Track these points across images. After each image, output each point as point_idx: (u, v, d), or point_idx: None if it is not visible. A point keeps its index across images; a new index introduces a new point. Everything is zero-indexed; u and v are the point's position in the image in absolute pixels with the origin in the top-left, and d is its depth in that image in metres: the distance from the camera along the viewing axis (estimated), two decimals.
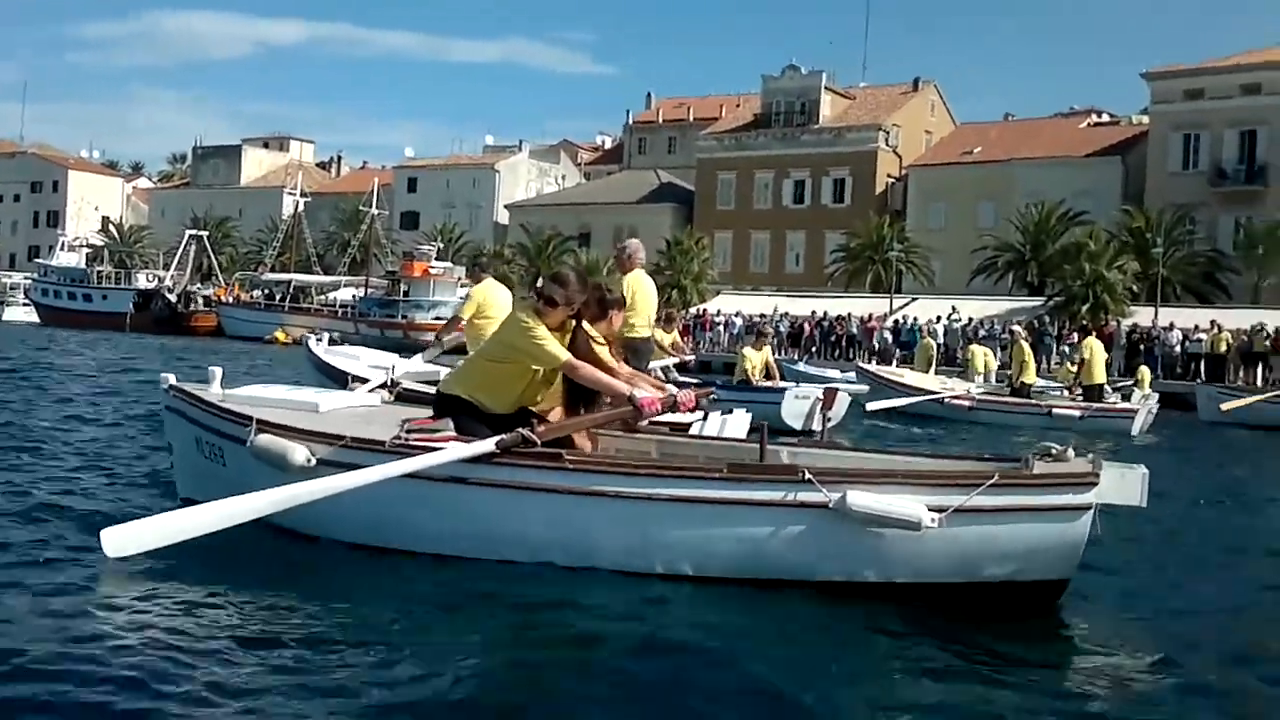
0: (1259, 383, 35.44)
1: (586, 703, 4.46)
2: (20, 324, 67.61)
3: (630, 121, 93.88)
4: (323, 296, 72.12)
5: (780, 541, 5.94)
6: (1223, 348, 38.58)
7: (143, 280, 74.92)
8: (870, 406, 21.25)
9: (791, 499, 5.91)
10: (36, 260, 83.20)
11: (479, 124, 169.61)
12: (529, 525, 6.20)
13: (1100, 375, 23.03)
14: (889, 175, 67.69)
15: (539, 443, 6.22)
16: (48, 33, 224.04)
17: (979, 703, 4.63)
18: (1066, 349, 36.32)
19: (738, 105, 79.26)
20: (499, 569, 6.11)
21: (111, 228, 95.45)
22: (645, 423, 7.15)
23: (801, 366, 29.99)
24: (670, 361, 18.63)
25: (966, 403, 22.71)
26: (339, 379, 12.51)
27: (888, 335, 46.40)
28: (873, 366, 30.13)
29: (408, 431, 6.52)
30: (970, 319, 46.76)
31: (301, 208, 79.86)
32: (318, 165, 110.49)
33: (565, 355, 6.40)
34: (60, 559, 6.19)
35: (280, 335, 58.75)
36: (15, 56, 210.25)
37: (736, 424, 9.99)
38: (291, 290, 70.08)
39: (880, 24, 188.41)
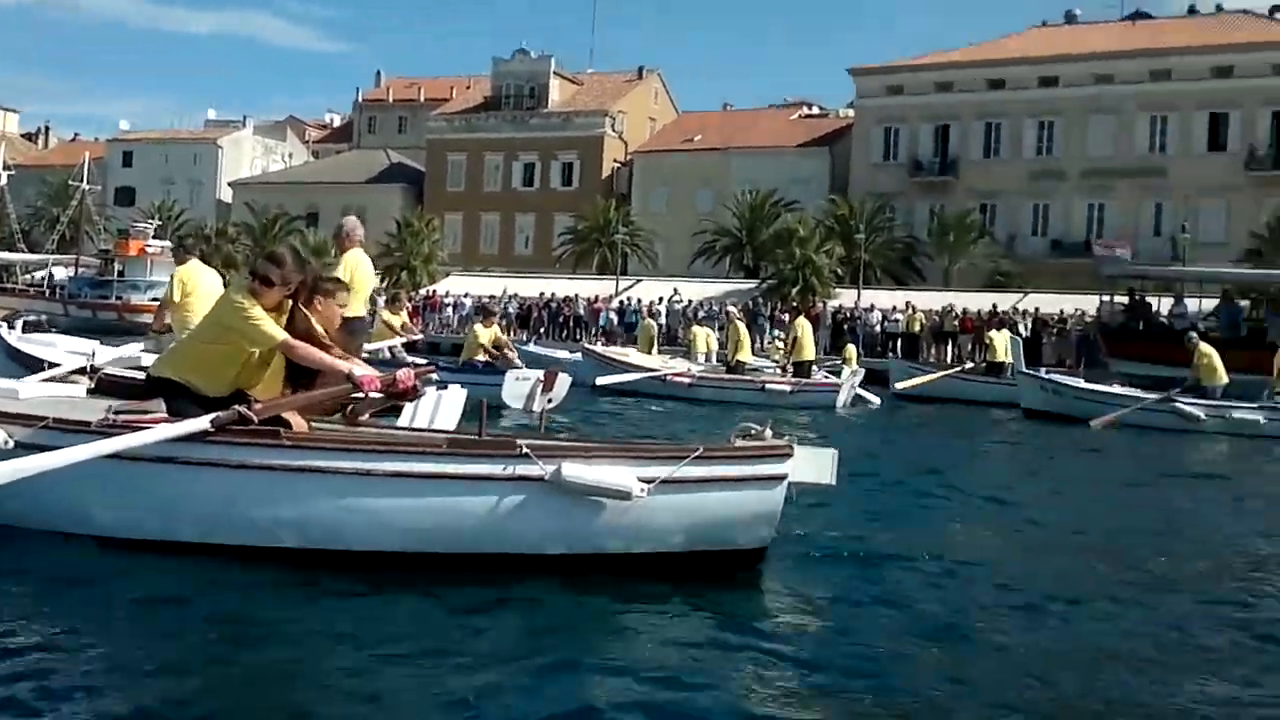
0: (948, 359, 38.66)
1: (294, 696, 4.48)
2: None
3: (360, 100, 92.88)
4: (29, 276, 68.47)
5: (499, 515, 6.07)
6: (917, 327, 41.92)
7: None
8: (599, 381, 22.24)
9: (509, 472, 6.06)
10: None
11: (201, 99, 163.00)
12: (245, 505, 6.12)
13: (809, 353, 24.65)
14: (615, 160, 69.41)
15: (256, 420, 6.12)
16: None
17: (680, 668, 4.90)
18: (779, 330, 38.51)
19: (468, 87, 79.56)
20: (213, 553, 6.02)
21: None
22: (365, 416, 7.27)
23: (531, 347, 30.62)
24: (399, 342, 18.91)
25: (687, 380, 23.66)
26: (34, 368, 11.39)
27: (613, 316, 47.81)
28: (598, 347, 31.05)
29: (115, 413, 6.35)
30: (691, 300, 48.83)
31: (4, 181, 75.46)
32: (23, 136, 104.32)
33: (281, 335, 6.29)
34: None
35: None
36: None
37: (451, 401, 10.00)
38: None
39: (606, 13, 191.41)
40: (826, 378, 25.09)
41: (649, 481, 6.02)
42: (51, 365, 10.48)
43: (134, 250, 61.35)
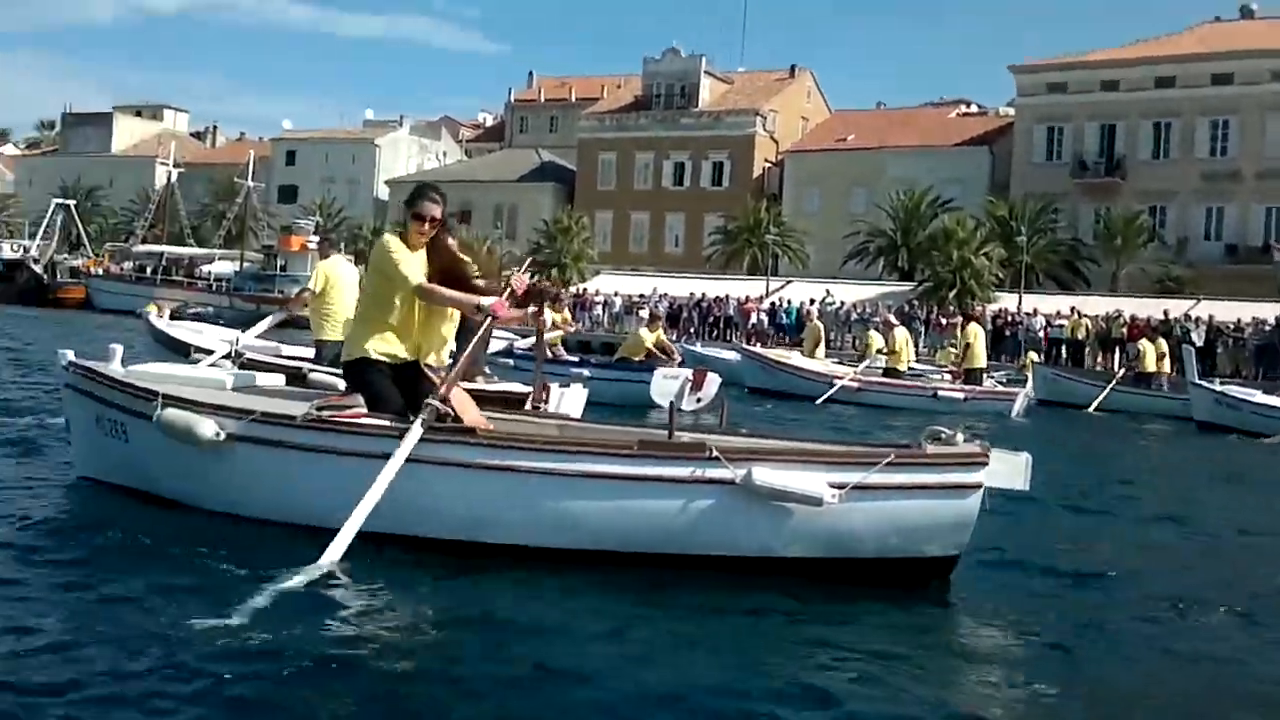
0: (1115, 367, 37.08)
1: (501, 686, 4.48)
2: None
3: (512, 100, 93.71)
4: (197, 270, 70.69)
5: (688, 517, 6.10)
6: (1082, 333, 40.28)
7: (7, 250, 72.48)
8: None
9: (699, 475, 6.08)
10: None
11: (361, 98, 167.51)
12: (440, 501, 6.23)
13: (981, 359, 23.96)
14: (766, 160, 68.72)
15: (448, 409, 6.32)
16: None
17: (876, 675, 4.83)
18: (948, 337, 37.40)
19: (619, 86, 79.63)
20: (415, 545, 6.14)
21: None
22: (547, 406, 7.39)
23: (697, 348, 30.56)
24: (556, 335, 19.35)
25: (854, 384, 22.99)
26: (181, 350, 12.31)
27: (764, 317, 47.33)
28: (759, 349, 30.58)
29: (319, 407, 6.53)
30: (843, 303, 47.95)
31: (175, 178, 78.02)
32: (193, 135, 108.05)
33: (417, 279, 6.48)
34: None
35: (153, 309, 57.34)
36: None
37: (572, 398, 9.99)
38: (164, 263, 68.63)
39: (759, 10, 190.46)
40: (999, 385, 24.29)
41: (840, 487, 5.96)
42: (197, 349, 11.10)
43: (295, 246, 62.88)
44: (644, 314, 26.91)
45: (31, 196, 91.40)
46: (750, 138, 68.60)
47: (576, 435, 7.06)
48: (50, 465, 8.50)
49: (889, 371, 23.82)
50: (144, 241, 75.20)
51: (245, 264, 67.60)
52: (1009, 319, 43.65)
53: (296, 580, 5.44)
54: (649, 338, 19.82)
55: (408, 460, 6.07)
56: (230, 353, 10.35)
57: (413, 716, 4.23)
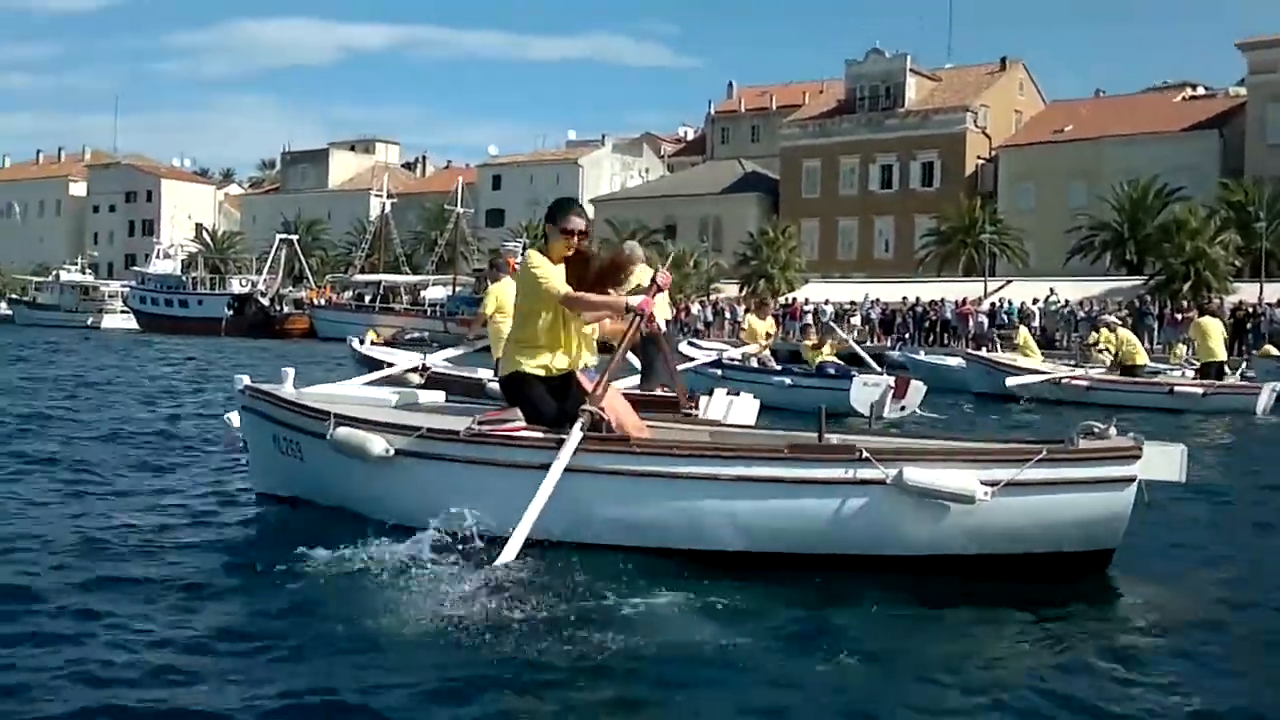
0: None
1: (670, 685, 4.54)
2: (119, 331, 68.97)
3: (712, 112, 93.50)
4: (410, 296, 72.57)
5: (840, 517, 6.18)
6: None
7: (236, 285, 75.99)
8: (1009, 383, 21.94)
9: (851, 476, 6.15)
10: (134, 268, 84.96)
11: (561, 120, 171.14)
12: (600, 507, 6.43)
13: (1220, 352, 22.30)
14: (978, 157, 66.69)
15: (602, 415, 6.51)
16: (134, 45, 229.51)
17: (1035, 669, 4.82)
18: (1180, 331, 35.18)
19: (820, 91, 78.57)
20: (576, 550, 6.28)
21: (205, 234, 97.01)
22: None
23: (922, 356, 29.62)
24: (755, 349, 19.42)
25: (1084, 384, 21.97)
26: (378, 370, 13.17)
27: (984, 319, 45.55)
28: (983, 352, 29.48)
29: (480, 422, 6.72)
30: (1067, 301, 45.75)
31: (388, 209, 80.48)
32: (403, 166, 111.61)
33: (563, 289, 6.68)
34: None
35: (372, 335, 59.01)
36: (105, 69, 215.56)
37: (743, 407, 9.96)
38: (381, 291, 70.68)
39: (964, 3, 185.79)
40: (1242, 380, 22.49)
41: (992, 485, 6.00)
42: (389, 365, 11.88)
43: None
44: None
45: (256, 233, 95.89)
46: (961, 135, 66.59)
47: (728, 439, 7.28)
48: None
49: (1125, 369, 22.72)
50: (362, 271, 77.81)
51: (457, 288, 69.05)
52: (1249, 310, 40.71)
53: (471, 583, 5.65)
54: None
55: (567, 470, 6.24)
56: (418, 367, 11.11)
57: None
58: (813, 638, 5.13)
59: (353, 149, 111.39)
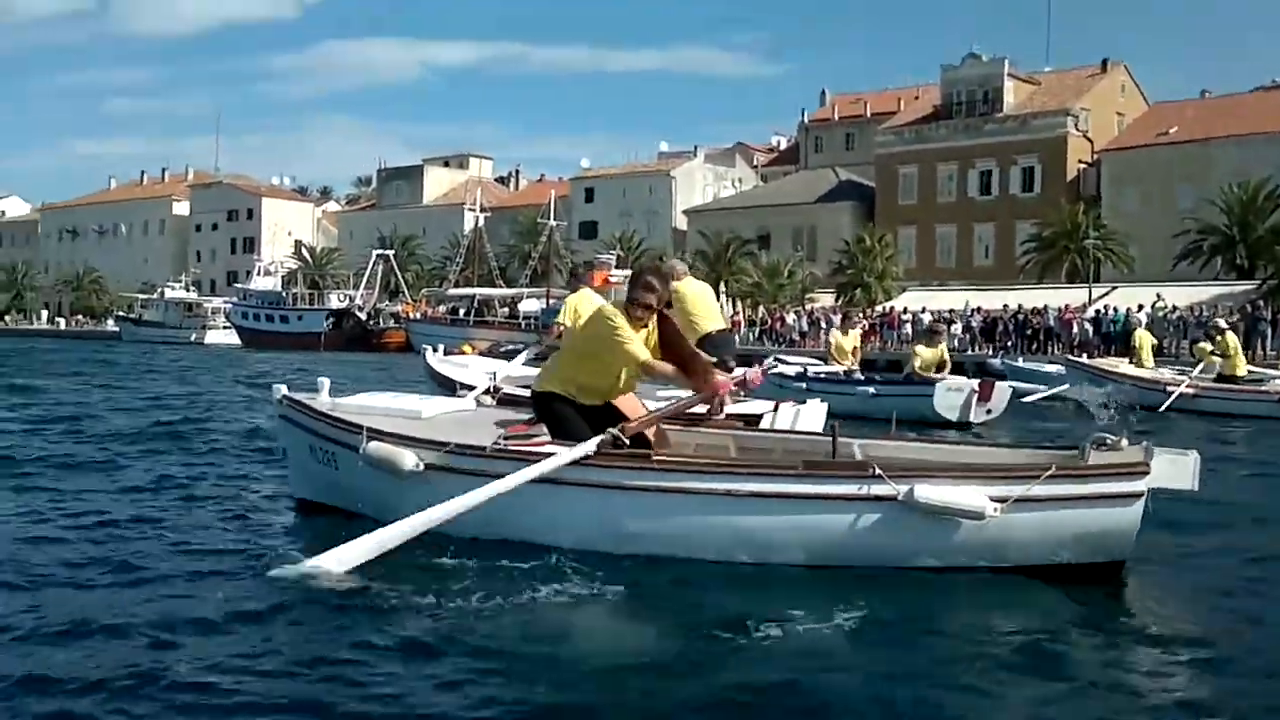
0: None
1: (677, 696, 4.62)
2: (222, 346, 70.28)
3: (805, 120, 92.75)
4: (505, 309, 72.90)
5: (853, 533, 6.35)
6: None
7: (335, 300, 77.17)
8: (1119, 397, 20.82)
9: (863, 493, 6.32)
10: (235, 285, 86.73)
11: (653, 131, 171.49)
12: (619, 521, 6.63)
13: None
14: (1080, 161, 65.31)
15: (627, 441, 6.69)
16: (231, 67, 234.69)
17: (1045, 681, 4.85)
18: None
19: (916, 97, 77.56)
20: (592, 560, 6.42)
21: (304, 251, 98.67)
22: (722, 416, 7.89)
23: (1020, 364, 29.09)
24: (846, 366, 19.78)
25: (1190, 391, 21.54)
26: (449, 386, 13.68)
27: (1088, 326, 44.38)
28: (1084, 358, 28.81)
29: (505, 437, 7.04)
30: (1176, 307, 44.38)
31: (482, 223, 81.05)
32: (496, 181, 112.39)
33: (644, 356, 6.86)
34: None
35: (467, 348, 59.16)
36: (204, 91, 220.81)
37: (811, 415, 10.06)
38: (476, 304, 71.04)
39: (1063, 6, 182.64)
40: None
41: (1001, 501, 6.16)
42: (462, 385, 12.11)
43: (598, 281, 63.30)
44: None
45: (353, 249, 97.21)
46: (1062, 139, 65.27)
47: (747, 447, 7.62)
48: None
49: (1223, 378, 22.15)
50: (457, 285, 78.35)
51: (551, 300, 69.15)
52: None
53: (486, 594, 5.82)
54: (926, 354, 19.08)
55: (586, 485, 6.57)
56: (490, 388, 11.15)
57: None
58: (814, 649, 5.19)
59: (446, 164, 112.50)
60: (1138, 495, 6.21)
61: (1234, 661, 5.18)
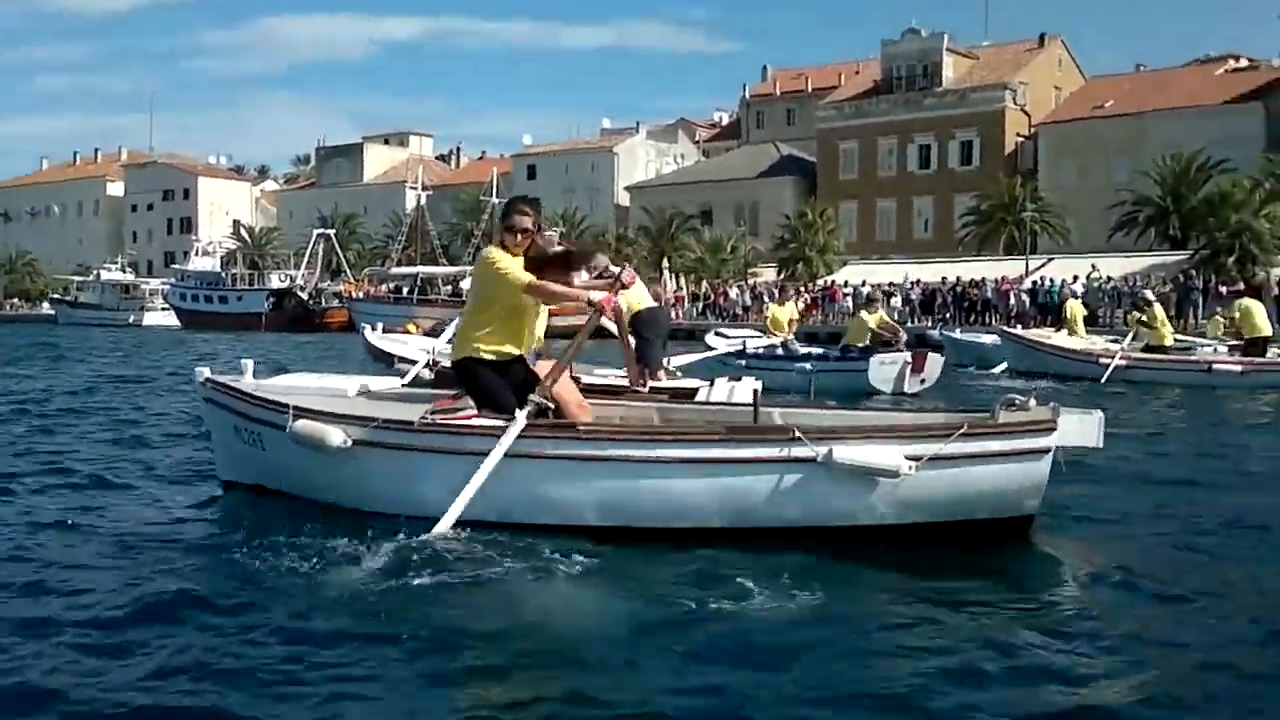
0: None
1: (618, 665, 4.66)
2: (160, 328, 69.40)
3: (747, 96, 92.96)
4: (449, 287, 72.47)
5: (776, 494, 6.51)
6: None
7: (275, 280, 76.30)
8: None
9: (784, 455, 6.48)
10: (173, 266, 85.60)
11: (595, 108, 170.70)
12: (544, 490, 6.70)
13: (1265, 328, 21.73)
14: (1018, 135, 66.08)
15: (551, 405, 6.84)
16: (167, 44, 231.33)
17: (964, 631, 5.07)
18: (1220, 306, 34.43)
19: (856, 73, 78.02)
20: (523, 532, 6.46)
21: (243, 231, 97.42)
22: (646, 389, 8.49)
23: (956, 335, 29.51)
24: (782, 339, 20.19)
25: (1123, 362, 21.73)
26: (387, 360, 13.76)
27: (1025, 298, 45.00)
28: (1018, 330, 29.14)
29: (432, 411, 7.03)
30: (1110, 278, 45.06)
31: (424, 201, 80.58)
32: (438, 158, 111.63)
33: (526, 278, 6.91)
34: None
35: (411, 327, 58.86)
36: (139, 69, 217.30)
37: (744, 391, 10.18)
38: (419, 282, 70.60)
39: None
40: None
41: (916, 459, 6.35)
42: (400, 359, 12.34)
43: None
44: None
45: (293, 228, 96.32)
46: (1000, 113, 66.00)
47: (671, 418, 7.79)
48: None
49: (1150, 348, 22.48)
50: (399, 263, 77.84)
51: None
52: None
53: (413, 564, 5.87)
54: (870, 319, 19.98)
55: (514, 456, 6.56)
56: (428, 362, 11.12)
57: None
58: (734, 610, 5.29)
59: (386, 142, 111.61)
60: (1045, 451, 6.45)
61: (1134, 606, 5.47)
